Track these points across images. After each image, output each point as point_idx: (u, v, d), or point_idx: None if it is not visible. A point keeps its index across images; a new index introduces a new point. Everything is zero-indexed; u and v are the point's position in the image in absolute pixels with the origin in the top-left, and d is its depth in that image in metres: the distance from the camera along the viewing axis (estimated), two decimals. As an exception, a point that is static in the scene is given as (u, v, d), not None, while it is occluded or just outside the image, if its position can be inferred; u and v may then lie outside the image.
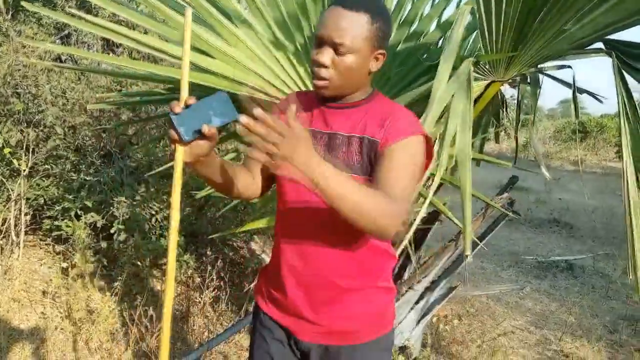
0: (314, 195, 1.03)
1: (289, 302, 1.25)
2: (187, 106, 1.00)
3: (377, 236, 1.08)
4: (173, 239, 1.03)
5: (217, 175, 1.15)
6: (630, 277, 1.50)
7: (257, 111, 0.85)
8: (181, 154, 1.02)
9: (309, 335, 1.25)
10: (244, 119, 0.86)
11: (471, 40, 2.07)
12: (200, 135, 1.00)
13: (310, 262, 1.21)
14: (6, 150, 3.17)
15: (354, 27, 1.08)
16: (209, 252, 3.57)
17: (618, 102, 1.54)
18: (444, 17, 2.00)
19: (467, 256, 1.56)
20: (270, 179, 1.30)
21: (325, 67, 1.10)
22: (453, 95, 1.57)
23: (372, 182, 1.10)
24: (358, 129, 1.16)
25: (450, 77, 1.55)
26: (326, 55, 1.10)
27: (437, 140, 1.58)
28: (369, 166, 1.14)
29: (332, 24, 1.08)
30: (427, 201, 1.62)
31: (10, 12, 3.85)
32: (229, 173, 1.18)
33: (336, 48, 1.09)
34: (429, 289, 2.18)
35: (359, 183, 1.00)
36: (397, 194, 1.05)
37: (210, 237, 3.32)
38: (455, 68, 1.60)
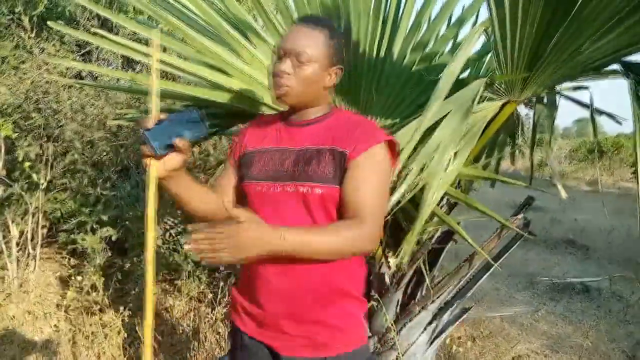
0: (288, 212, 1.16)
1: (268, 317, 1.25)
2: (158, 122, 1.03)
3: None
4: (150, 259, 1.00)
5: (188, 193, 1.17)
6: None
7: (194, 231, 0.95)
8: (154, 169, 1.03)
9: (291, 349, 1.24)
10: (187, 247, 0.95)
11: (486, 61, 2.07)
12: (172, 149, 1.04)
13: (289, 275, 1.20)
14: (26, 164, 3.24)
15: (314, 40, 1.19)
16: (221, 268, 3.58)
17: (634, 123, 1.53)
18: (460, 38, 2.01)
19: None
20: (242, 197, 1.31)
21: (287, 74, 1.19)
22: (448, 114, 1.58)
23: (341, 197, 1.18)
24: (327, 142, 1.22)
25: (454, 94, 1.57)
26: (287, 65, 1.19)
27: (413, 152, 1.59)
28: (340, 176, 1.19)
29: (294, 37, 1.19)
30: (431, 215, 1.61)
31: (35, 30, 3.96)
32: (197, 191, 1.20)
33: (297, 58, 1.18)
34: (443, 309, 2.15)
35: (319, 228, 1.12)
36: (367, 214, 1.13)
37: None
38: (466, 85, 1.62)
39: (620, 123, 1.88)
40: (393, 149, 1.26)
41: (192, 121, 1.05)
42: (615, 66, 1.66)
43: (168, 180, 1.11)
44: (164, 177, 1.09)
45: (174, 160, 1.07)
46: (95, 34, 1.86)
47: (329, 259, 1.13)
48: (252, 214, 1.04)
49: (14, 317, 3.02)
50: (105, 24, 4.20)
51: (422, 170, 1.60)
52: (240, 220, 0.98)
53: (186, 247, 0.95)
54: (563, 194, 1.88)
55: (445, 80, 1.51)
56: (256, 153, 1.29)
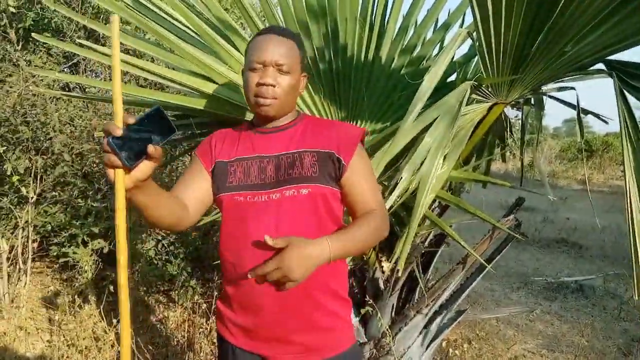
0: (273, 219, 1.19)
1: (257, 326, 1.24)
2: (125, 126, 0.91)
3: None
4: (123, 275, 0.95)
5: (154, 203, 1.08)
6: (637, 298, 1.48)
7: (256, 272, 1.02)
8: (122, 180, 0.94)
9: (287, 357, 1.24)
10: (251, 274, 1.04)
11: (473, 64, 2.09)
12: (143, 157, 0.94)
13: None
14: (14, 178, 3.21)
15: (289, 50, 1.23)
16: (215, 278, 3.56)
17: (620, 122, 1.54)
18: (446, 41, 2.03)
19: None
20: (206, 204, 1.29)
21: (272, 85, 1.21)
22: (437, 118, 1.59)
23: (344, 194, 1.25)
24: (306, 144, 1.25)
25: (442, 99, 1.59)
26: (271, 76, 1.21)
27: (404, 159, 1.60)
28: (327, 175, 1.22)
29: (272, 48, 1.21)
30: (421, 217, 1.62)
31: (21, 43, 3.94)
32: (164, 200, 1.12)
33: (279, 68, 1.21)
34: (438, 312, 2.15)
35: (353, 225, 1.17)
36: (377, 204, 1.24)
37: (217, 262, 3.31)
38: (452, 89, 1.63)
39: (606, 122, 1.90)
40: (363, 137, 1.32)
41: (158, 121, 0.95)
42: (601, 65, 1.68)
43: (135, 192, 1.01)
44: (130, 188, 0.98)
45: (142, 169, 0.97)
46: (82, 45, 1.85)
47: (365, 251, 1.21)
48: (292, 237, 1.06)
49: (5, 333, 2.98)
50: (92, 35, 4.19)
51: (413, 174, 1.61)
52: (283, 247, 1.04)
53: (250, 275, 1.03)
54: (550, 194, 1.90)
55: (428, 83, 1.53)
56: (230, 164, 1.27)
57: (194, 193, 1.26)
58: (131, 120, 0.92)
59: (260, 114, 1.25)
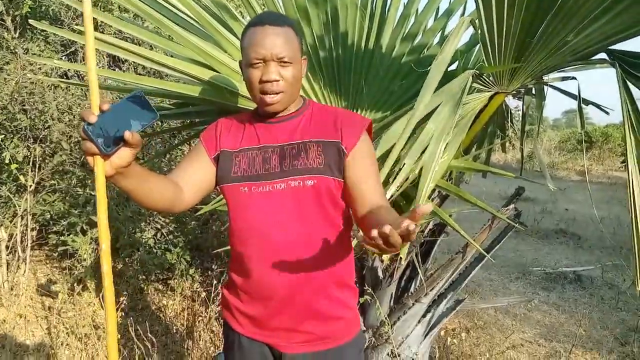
0: (278, 210, 1.18)
1: (270, 317, 1.24)
2: (101, 113, 0.89)
3: None
4: (106, 263, 0.94)
5: (140, 186, 1.07)
6: (638, 288, 1.48)
7: (387, 229, 0.82)
8: (102, 168, 0.92)
9: (295, 346, 1.24)
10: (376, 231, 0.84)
11: (475, 53, 2.08)
12: (121, 143, 0.92)
13: (290, 270, 1.20)
14: (13, 166, 3.21)
15: (288, 39, 1.18)
16: (214, 267, 3.57)
17: (623, 112, 1.54)
18: (447, 30, 2.02)
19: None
20: (204, 190, 1.26)
21: (277, 80, 1.17)
22: (440, 104, 1.58)
23: (347, 185, 1.21)
24: (311, 134, 1.23)
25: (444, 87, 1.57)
26: (275, 71, 1.17)
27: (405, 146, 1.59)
28: (332, 166, 1.20)
29: (270, 41, 1.16)
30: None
31: (18, 30, 3.91)
32: (153, 183, 1.11)
33: (280, 60, 1.17)
34: (436, 302, 2.16)
35: (388, 211, 1.10)
36: (383, 193, 1.22)
37: (216, 251, 3.32)
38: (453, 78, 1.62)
39: (607, 113, 1.89)
40: (370, 128, 1.30)
41: (139, 106, 0.93)
42: (603, 55, 1.67)
43: (117, 178, 0.99)
44: (112, 175, 0.97)
45: (122, 156, 0.94)
46: (80, 32, 1.84)
47: None
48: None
49: (5, 320, 3.00)
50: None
51: (415, 162, 1.61)
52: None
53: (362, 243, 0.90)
54: (551, 186, 1.90)
55: (435, 71, 1.51)
56: (235, 154, 1.25)
57: (192, 177, 1.23)
58: (105, 107, 0.90)
59: (268, 111, 1.22)
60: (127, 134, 0.91)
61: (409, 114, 1.54)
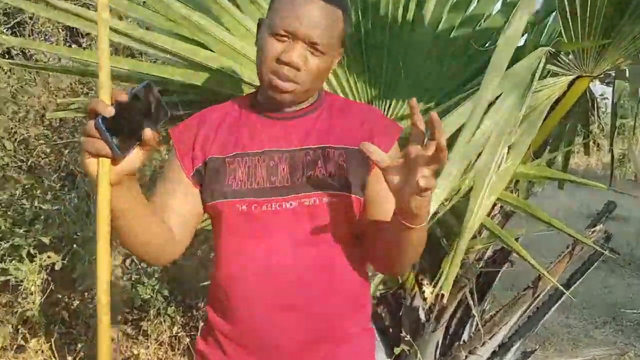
0: (287, 233, 1.19)
1: (273, 345, 1.23)
2: (117, 104, 0.89)
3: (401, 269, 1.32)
4: (103, 311, 0.94)
5: (135, 208, 1.06)
6: None
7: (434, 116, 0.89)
8: (107, 172, 0.92)
9: None
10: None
11: (549, 24, 2.08)
12: (135, 145, 0.93)
13: (308, 288, 1.21)
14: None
15: (333, 24, 1.18)
16: (200, 304, 3.59)
17: None
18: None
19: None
20: (194, 227, 1.27)
21: (298, 69, 1.16)
22: (502, 93, 1.59)
23: (367, 202, 1.23)
24: (331, 139, 1.23)
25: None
26: (300, 55, 1.16)
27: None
28: (357, 180, 1.21)
29: (310, 17, 1.15)
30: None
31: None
32: (150, 209, 1.11)
33: (312, 46, 1.16)
34: (497, 353, 2.16)
35: None
36: None
37: (202, 284, 3.34)
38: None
39: None
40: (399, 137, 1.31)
41: (151, 97, 0.94)
42: None
43: (116, 189, 0.97)
44: (115, 183, 0.95)
45: (133, 159, 0.95)
46: (31, -1, 1.88)
47: (417, 254, 1.18)
48: None
49: None
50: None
51: (466, 170, 1.61)
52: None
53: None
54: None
55: (503, 49, 1.51)
56: (228, 160, 1.23)
57: (179, 212, 1.22)
58: (123, 97, 0.89)
59: (275, 98, 1.21)
60: (148, 132, 0.92)
61: (472, 103, 1.54)
